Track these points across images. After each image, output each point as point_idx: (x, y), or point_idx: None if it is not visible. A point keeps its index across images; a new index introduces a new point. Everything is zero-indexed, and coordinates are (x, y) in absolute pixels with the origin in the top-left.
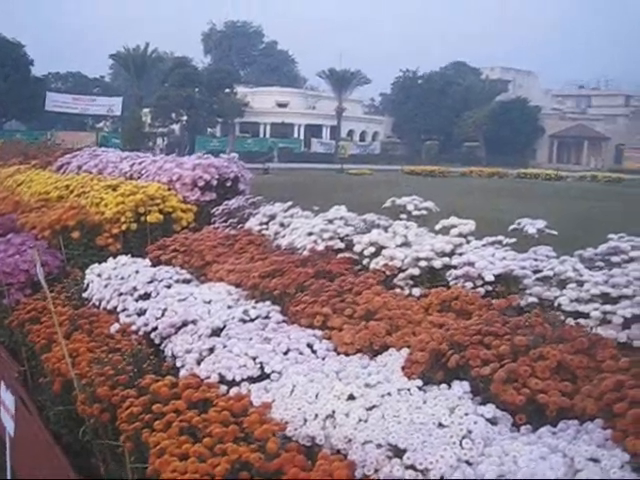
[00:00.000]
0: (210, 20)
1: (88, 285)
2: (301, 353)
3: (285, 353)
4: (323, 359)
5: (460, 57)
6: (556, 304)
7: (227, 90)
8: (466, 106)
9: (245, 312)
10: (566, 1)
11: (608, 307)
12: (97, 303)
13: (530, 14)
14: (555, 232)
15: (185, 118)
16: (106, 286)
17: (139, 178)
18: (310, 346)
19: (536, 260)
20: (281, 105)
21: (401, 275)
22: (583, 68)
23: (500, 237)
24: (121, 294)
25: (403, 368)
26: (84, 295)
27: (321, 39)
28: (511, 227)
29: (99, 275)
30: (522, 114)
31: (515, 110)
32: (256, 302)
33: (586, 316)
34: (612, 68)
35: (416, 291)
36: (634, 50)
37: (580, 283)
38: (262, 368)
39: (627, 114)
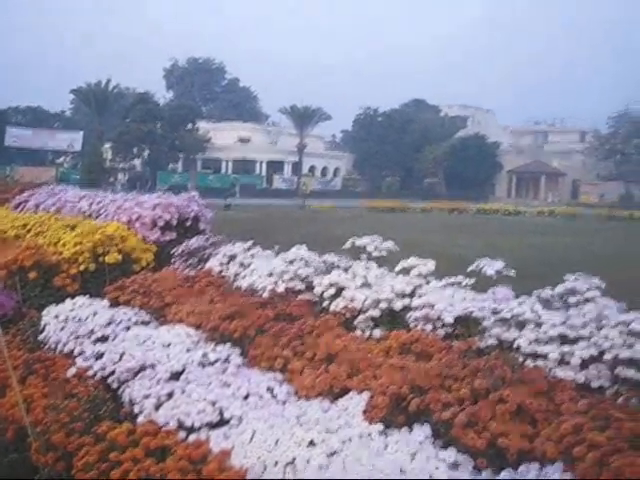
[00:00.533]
0: (172, 56)
1: (44, 327)
2: (261, 397)
3: (245, 398)
4: (283, 403)
5: (419, 95)
6: (515, 345)
7: (189, 126)
8: (426, 142)
9: (204, 355)
10: (523, 41)
11: (566, 348)
12: (53, 346)
13: (488, 53)
14: (513, 272)
15: (146, 153)
16: (63, 328)
17: (98, 217)
18: (270, 390)
19: (495, 301)
20: (243, 141)
21: (361, 317)
22: (540, 105)
23: (460, 278)
24: (78, 337)
25: (364, 412)
26: (40, 338)
27: (284, 76)
28: (470, 268)
29: (56, 317)
30: (481, 150)
31: (474, 146)
32: (216, 345)
33: (545, 357)
34: (568, 105)
35: (377, 333)
36: (589, 88)
37: (538, 324)
38: (221, 413)
39: (582, 150)
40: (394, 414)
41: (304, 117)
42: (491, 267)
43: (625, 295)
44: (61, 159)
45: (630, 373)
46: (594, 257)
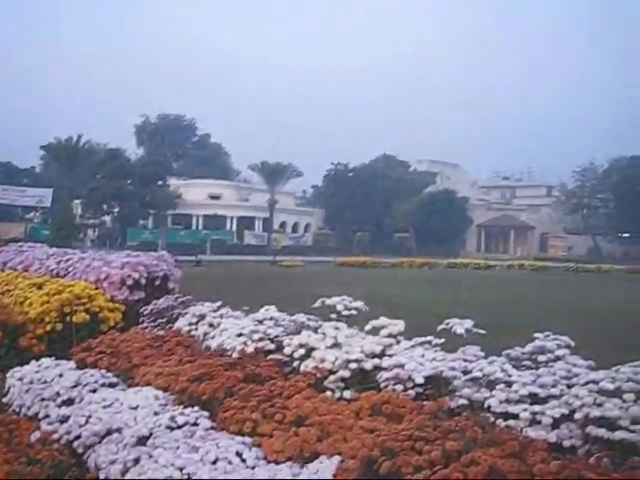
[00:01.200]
0: (143, 113)
1: (9, 389)
2: (230, 462)
3: (213, 463)
4: (253, 468)
5: (389, 151)
6: (486, 405)
7: (160, 182)
8: (396, 198)
9: (172, 419)
10: (489, 98)
11: (537, 407)
12: (18, 409)
13: (454, 110)
14: (483, 331)
15: (117, 210)
16: (27, 391)
17: (66, 276)
18: (239, 455)
19: (465, 361)
20: (214, 197)
21: (332, 377)
22: (507, 160)
23: (429, 337)
24: (43, 399)
25: (335, 476)
26: (4, 400)
27: (255, 132)
28: (440, 327)
29: (20, 379)
30: (450, 205)
31: (443, 201)
32: (184, 407)
33: (516, 417)
34: (535, 160)
35: (347, 394)
36: (555, 143)
37: (509, 383)
38: None
39: (550, 204)
40: (365, 477)
41: (275, 173)
42: (461, 326)
43: (595, 346)
44: (31, 214)
45: (601, 432)
46: (563, 310)
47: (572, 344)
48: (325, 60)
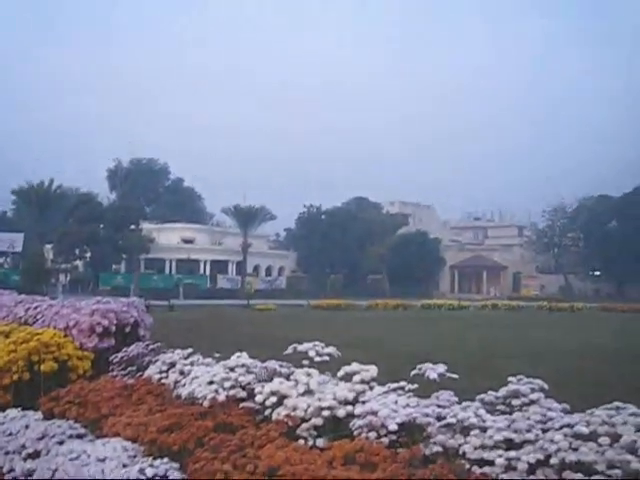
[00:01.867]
0: (116, 157)
1: None
2: None
3: None
4: None
5: (361, 193)
6: (461, 452)
7: (132, 226)
8: (369, 240)
9: (141, 471)
10: (458, 139)
11: (512, 453)
12: None
13: (424, 150)
14: (456, 376)
15: (89, 254)
16: None
17: (34, 323)
18: None
19: (439, 406)
20: (187, 241)
21: (304, 425)
22: (478, 200)
23: (402, 383)
24: (8, 452)
25: None
26: None
27: (228, 174)
28: (413, 372)
29: None
30: (423, 246)
31: (416, 243)
32: (154, 459)
33: (491, 464)
34: (506, 200)
35: (320, 442)
36: (524, 184)
37: (483, 429)
38: None
39: (521, 244)
40: None
41: (248, 217)
42: (434, 371)
43: (569, 388)
44: (1, 260)
45: (577, 477)
46: (538, 351)
47: (546, 387)
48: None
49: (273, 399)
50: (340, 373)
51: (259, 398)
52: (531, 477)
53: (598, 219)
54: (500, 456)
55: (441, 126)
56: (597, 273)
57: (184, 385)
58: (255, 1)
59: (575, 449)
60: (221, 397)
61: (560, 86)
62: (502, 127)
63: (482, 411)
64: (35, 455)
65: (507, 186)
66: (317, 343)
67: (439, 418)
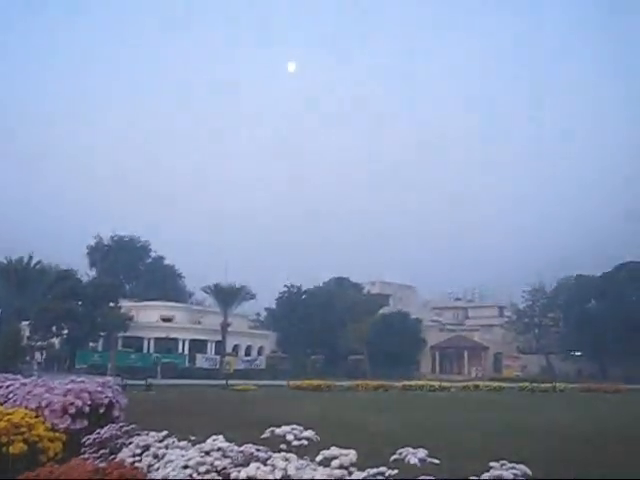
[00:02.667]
0: (97, 234)
1: None
2: None
3: None
4: None
5: (342, 273)
6: None
7: (111, 304)
8: (349, 320)
9: None
10: (438, 216)
11: None
12: None
13: (405, 229)
14: (437, 461)
15: (66, 331)
16: None
17: (5, 402)
18: None
19: None
20: (166, 320)
21: None
22: (458, 280)
23: (382, 468)
24: None
25: None
26: None
27: (208, 254)
28: (393, 457)
29: None
30: (404, 327)
31: (397, 323)
32: None
33: None
34: (485, 280)
35: None
36: (505, 265)
37: None
38: None
39: (502, 324)
40: None
41: (228, 295)
42: (414, 455)
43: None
44: None
45: None
46: (520, 433)
47: (529, 472)
48: (276, 186)
49: None
50: (319, 457)
51: None
52: None
53: (576, 299)
54: None
55: (422, 205)
56: (578, 353)
57: (158, 469)
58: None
59: None
60: None
61: (541, 166)
62: (481, 204)
63: None
64: None
65: (487, 265)
66: (295, 426)
67: None
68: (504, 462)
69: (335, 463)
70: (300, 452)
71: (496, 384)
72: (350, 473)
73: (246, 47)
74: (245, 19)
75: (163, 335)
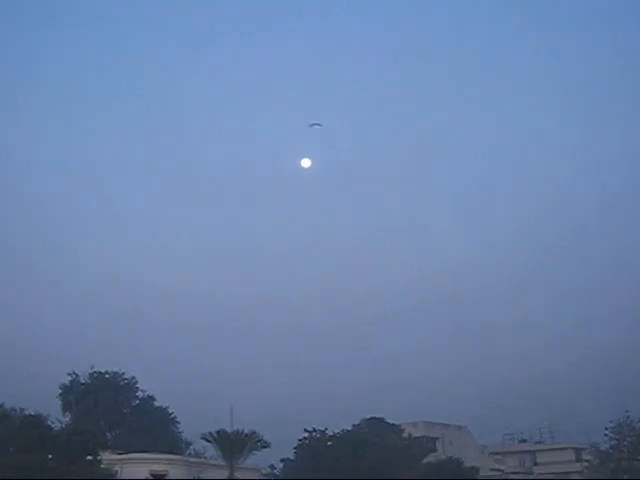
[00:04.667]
0: (72, 370)
1: None
2: None
3: None
4: None
5: (375, 412)
6: None
7: (89, 457)
8: (389, 469)
9: None
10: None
11: None
12: None
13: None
14: None
15: None
16: None
17: None
18: None
19: None
20: (157, 476)
21: None
22: (519, 416)
23: None
24: None
25: None
26: None
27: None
28: None
29: None
30: (456, 477)
31: (448, 473)
32: None
33: None
34: (554, 413)
35: None
36: (578, 393)
37: None
38: None
39: (580, 470)
40: None
41: (234, 444)
42: None
43: None
44: None
45: None
46: None
47: None
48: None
49: None
50: None
51: None
52: None
53: None
54: None
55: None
56: None
57: None
58: None
59: None
60: None
61: None
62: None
63: None
64: None
65: (554, 396)
66: None
67: None
68: None
69: None
70: None
71: None
72: None
73: None
74: None
75: None
